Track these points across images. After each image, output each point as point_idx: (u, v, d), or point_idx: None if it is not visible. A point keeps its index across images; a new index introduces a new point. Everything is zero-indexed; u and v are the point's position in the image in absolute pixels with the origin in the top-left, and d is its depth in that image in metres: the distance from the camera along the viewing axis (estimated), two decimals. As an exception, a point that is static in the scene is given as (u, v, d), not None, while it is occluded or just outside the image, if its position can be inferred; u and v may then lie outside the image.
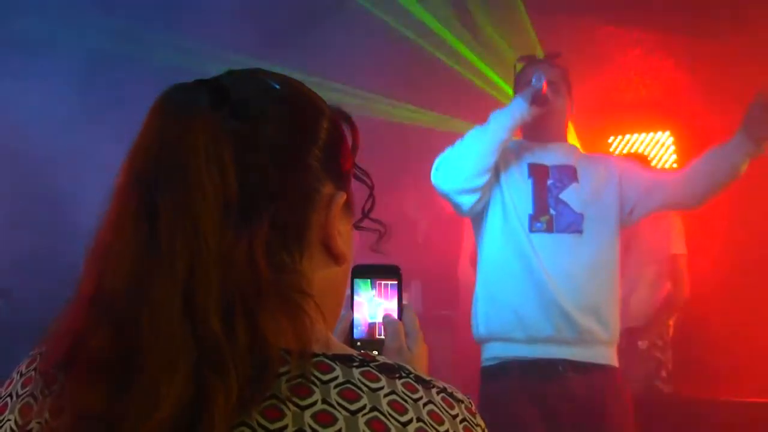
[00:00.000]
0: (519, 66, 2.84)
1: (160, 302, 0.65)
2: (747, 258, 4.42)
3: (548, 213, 2.56)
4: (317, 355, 0.69)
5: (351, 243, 0.83)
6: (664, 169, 2.70)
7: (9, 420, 0.74)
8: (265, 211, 0.71)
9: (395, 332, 0.89)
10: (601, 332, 2.54)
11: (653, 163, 5.29)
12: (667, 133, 5.23)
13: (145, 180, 0.69)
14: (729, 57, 4.00)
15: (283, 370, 0.66)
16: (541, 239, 2.55)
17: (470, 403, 0.74)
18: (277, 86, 0.79)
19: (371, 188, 0.85)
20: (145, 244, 0.68)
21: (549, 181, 2.62)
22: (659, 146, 5.29)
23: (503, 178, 2.62)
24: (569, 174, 2.64)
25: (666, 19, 3.80)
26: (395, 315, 0.92)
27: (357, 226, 0.86)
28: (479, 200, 2.57)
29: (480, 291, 2.65)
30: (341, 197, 0.79)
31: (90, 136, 3.23)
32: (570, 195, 2.60)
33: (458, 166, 2.53)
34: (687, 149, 5.13)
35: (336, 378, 0.68)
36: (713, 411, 3.47)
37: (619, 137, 5.41)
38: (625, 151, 5.39)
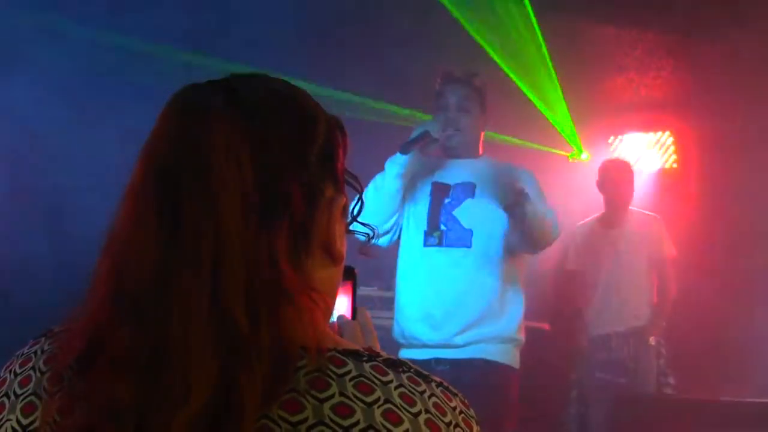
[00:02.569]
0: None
1: (188, 297, 0.67)
2: (743, 258, 4.42)
3: (439, 229, 2.81)
4: (329, 350, 0.71)
5: (345, 244, 0.86)
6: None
7: (9, 420, 0.74)
8: (284, 211, 0.73)
9: (352, 334, 0.90)
10: (481, 333, 2.75)
11: (652, 163, 5.29)
12: (667, 133, 5.23)
13: (166, 178, 0.71)
14: (729, 57, 4.00)
15: (300, 364, 0.69)
16: (432, 253, 2.81)
17: (463, 396, 0.77)
18: (281, 89, 0.81)
19: (360, 193, 0.87)
20: (169, 241, 0.69)
21: (446, 200, 2.85)
22: (659, 146, 5.29)
23: (408, 199, 2.88)
24: (467, 191, 2.86)
25: (666, 19, 3.80)
26: (349, 316, 0.94)
27: (347, 230, 0.87)
28: (393, 237, 2.88)
29: None
30: (341, 200, 0.81)
31: (91, 135, 3.23)
32: (462, 212, 2.82)
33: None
34: (687, 149, 5.13)
35: (350, 372, 0.70)
36: (713, 411, 3.47)
37: (619, 137, 5.41)
38: (623, 152, 5.39)
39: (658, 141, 5.28)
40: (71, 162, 3.36)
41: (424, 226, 2.84)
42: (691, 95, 4.67)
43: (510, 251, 2.82)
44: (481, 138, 2.98)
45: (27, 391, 0.75)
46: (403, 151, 2.78)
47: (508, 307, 2.81)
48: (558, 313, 4.54)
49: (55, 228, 3.45)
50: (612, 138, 5.44)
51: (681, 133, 5.16)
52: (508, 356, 2.80)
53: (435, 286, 2.78)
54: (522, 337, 2.85)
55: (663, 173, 5.23)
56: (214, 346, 0.66)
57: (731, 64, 4.05)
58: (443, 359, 2.73)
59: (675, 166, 5.22)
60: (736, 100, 4.35)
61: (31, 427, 0.72)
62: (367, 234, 0.92)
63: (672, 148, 5.23)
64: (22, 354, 0.79)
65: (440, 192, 2.88)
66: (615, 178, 4.24)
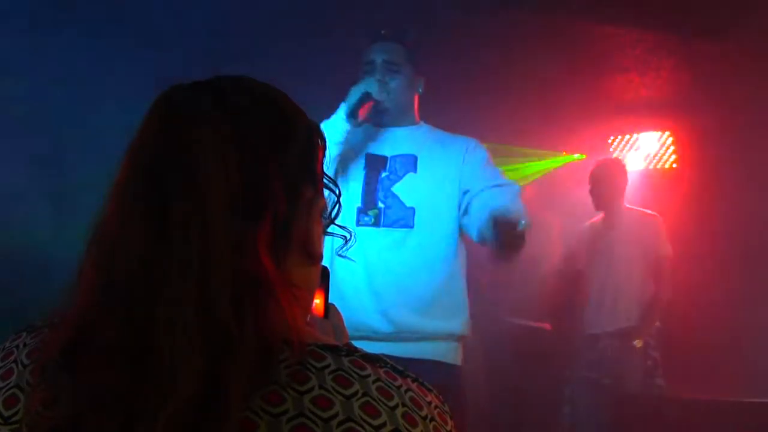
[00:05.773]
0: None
1: (176, 289, 0.69)
2: (743, 258, 4.43)
3: (376, 207, 2.50)
4: (309, 345, 0.73)
5: (322, 244, 0.88)
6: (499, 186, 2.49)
7: None
8: (268, 209, 0.75)
9: (325, 332, 0.93)
10: (426, 327, 2.45)
11: (652, 163, 5.30)
12: (667, 133, 5.24)
13: (153, 175, 0.73)
14: (729, 57, 4.00)
15: (281, 357, 0.71)
16: (368, 234, 2.47)
17: (437, 392, 0.79)
18: (265, 92, 0.83)
19: (338, 196, 0.90)
20: (157, 236, 0.71)
21: (383, 173, 2.54)
22: (659, 146, 5.30)
23: (339, 172, 2.54)
24: (408, 164, 2.55)
25: (666, 19, 3.79)
26: (321, 315, 0.97)
27: (325, 232, 0.90)
28: None
29: None
30: (321, 201, 0.84)
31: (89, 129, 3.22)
32: (403, 187, 2.51)
33: None
34: (687, 149, 5.14)
35: (329, 366, 0.72)
36: (713, 411, 3.48)
37: (619, 137, 5.42)
38: (625, 152, 5.40)
39: (658, 141, 5.29)
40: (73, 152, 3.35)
41: (357, 203, 2.50)
42: (691, 95, 4.67)
43: (460, 234, 2.51)
44: (416, 102, 2.66)
45: (9, 384, 0.76)
46: (351, 116, 2.46)
47: (458, 298, 2.51)
48: (559, 313, 4.55)
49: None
50: (612, 138, 5.45)
51: (681, 133, 5.16)
52: (457, 355, 2.51)
53: (369, 271, 2.44)
54: (468, 332, 2.53)
55: (663, 173, 5.24)
56: (202, 337, 0.68)
57: (731, 64, 4.04)
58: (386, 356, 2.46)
59: (675, 166, 5.22)
60: (735, 100, 4.35)
61: (13, 419, 0.74)
62: (344, 236, 0.95)
63: (672, 148, 5.24)
64: (3, 348, 0.81)
65: (375, 164, 2.55)
66: (596, 176, 4.25)
